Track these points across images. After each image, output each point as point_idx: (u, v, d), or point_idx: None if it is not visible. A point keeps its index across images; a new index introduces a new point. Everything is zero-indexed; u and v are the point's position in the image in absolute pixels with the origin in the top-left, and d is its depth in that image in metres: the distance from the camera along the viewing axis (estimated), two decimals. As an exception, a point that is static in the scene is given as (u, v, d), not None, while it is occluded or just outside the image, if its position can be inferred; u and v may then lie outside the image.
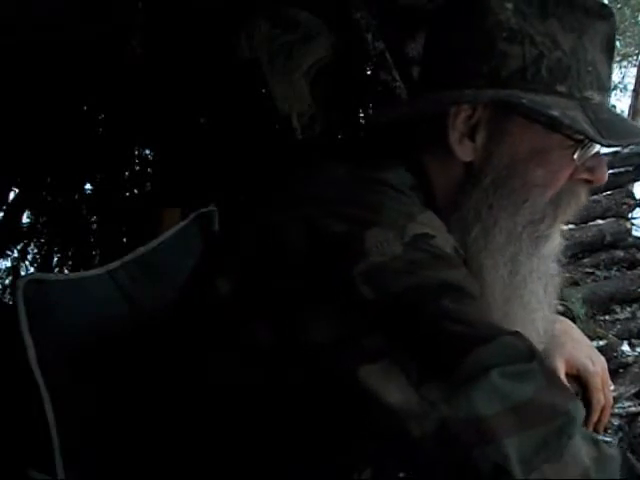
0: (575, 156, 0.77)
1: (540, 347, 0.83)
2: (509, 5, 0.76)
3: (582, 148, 0.77)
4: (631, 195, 4.54)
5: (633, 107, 7.32)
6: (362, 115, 2.67)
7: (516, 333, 0.63)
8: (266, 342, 0.68)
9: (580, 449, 0.58)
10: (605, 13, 0.79)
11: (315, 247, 0.67)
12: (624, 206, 4.33)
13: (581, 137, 0.76)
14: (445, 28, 0.81)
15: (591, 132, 0.73)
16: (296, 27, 2.44)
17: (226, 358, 0.73)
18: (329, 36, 2.50)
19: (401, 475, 0.71)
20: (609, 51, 0.80)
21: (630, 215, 4.45)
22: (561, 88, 0.76)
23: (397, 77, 2.52)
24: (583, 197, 0.81)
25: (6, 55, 2.21)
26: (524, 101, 0.74)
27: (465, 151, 0.77)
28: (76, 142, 2.56)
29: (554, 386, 0.62)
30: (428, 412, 0.58)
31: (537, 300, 0.81)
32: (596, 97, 0.78)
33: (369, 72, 2.63)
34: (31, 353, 0.82)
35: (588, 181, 0.81)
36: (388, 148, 0.81)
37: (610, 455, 0.61)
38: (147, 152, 2.91)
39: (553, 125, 0.76)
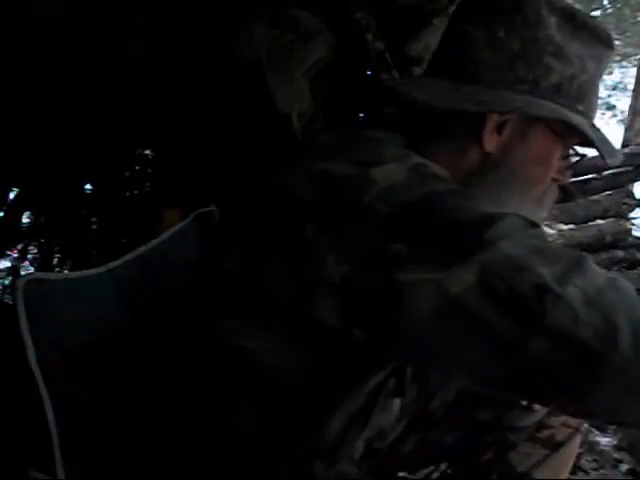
0: (558, 160, 0.88)
1: None
2: (553, 19, 0.83)
3: (569, 156, 0.89)
4: (631, 195, 4.54)
5: (633, 107, 7.31)
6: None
7: (519, 215, 0.70)
8: (282, 289, 0.73)
9: (598, 268, 0.66)
10: (611, 44, 0.88)
11: (325, 190, 0.74)
12: (624, 206, 4.33)
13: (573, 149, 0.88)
14: (496, 29, 0.84)
15: (604, 150, 0.84)
16: (296, 27, 2.44)
17: (239, 326, 0.76)
18: (329, 36, 2.50)
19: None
20: (601, 78, 0.90)
21: (630, 215, 4.45)
22: (580, 107, 0.85)
23: (397, 77, 2.52)
24: (555, 195, 0.91)
25: (6, 55, 2.21)
26: (568, 119, 0.82)
27: (491, 143, 0.84)
28: (76, 142, 2.56)
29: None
30: (465, 267, 0.64)
31: None
32: (594, 118, 0.88)
33: (369, 72, 2.63)
34: (31, 353, 0.82)
35: (556, 180, 0.90)
36: (387, 123, 0.87)
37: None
38: (147, 152, 2.91)
39: (583, 141, 0.86)
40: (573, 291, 0.62)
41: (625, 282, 0.66)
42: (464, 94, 0.82)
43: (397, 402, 0.89)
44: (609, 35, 0.87)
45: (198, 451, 0.79)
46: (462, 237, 0.66)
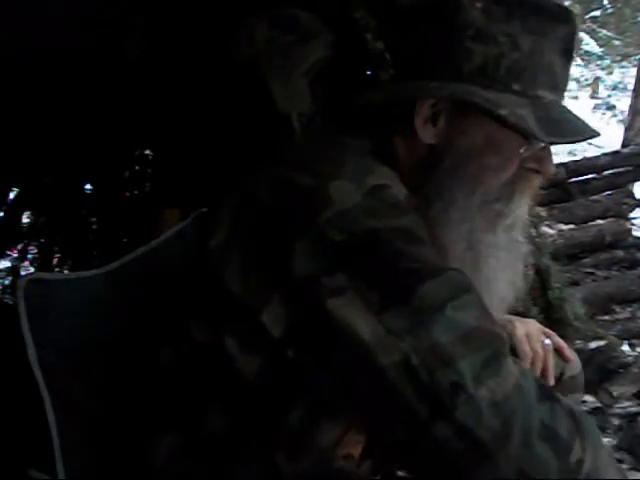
0: (521, 149, 0.84)
1: (501, 314, 0.93)
2: (479, 4, 0.82)
3: (530, 142, 0.84)
4: (631, 195, 4.55)
5: (633, 107, 7.31)
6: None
7: (457, 269, 0.75)
8: (239, 294, 0.75)
9: (511, 365, 0.71)
10: (567, 17, 0.85)
11: (284, 198, 0.76)
12: (624, 206, 4.33)
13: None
14: (416, 21, 0.87)
15: (535, 130, 0.80)
16: (296, 27, 2.44)
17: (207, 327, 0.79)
18: (329, 36, 2.50)
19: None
20: (567, 53, 0.85)
21: (630, 215, 4.46)
22: (516, 87, 0.82)
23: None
24: (535, 185, 0.89)
25: (6, 57, 2.22)
26: (476, 100, 0.81)
27: (427, 134, 0.84)
28: (76, 142, 2.56)
29: (487, 314, 0.73)
30: (395, 344, 0.68)
31: (495, 272, 0.87)
32: (548, 96, 0.84)
33: (369, 72, 2.62)
34: (31, 352, 0.82)
35: (537, 171, 0.87)
36: (358, 124, 0.88)
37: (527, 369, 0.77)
38: (147, 152, 2.91)
39: (503, 121, 0.81)
40: (484, 392, 0.67)
41: (529, 383, 0.71)
42: (386, 89, 0.86)
43: None
44: (561, 9, 0.85)
45: (175, 451, 0.80)
46: (396, 286, 0.70)
